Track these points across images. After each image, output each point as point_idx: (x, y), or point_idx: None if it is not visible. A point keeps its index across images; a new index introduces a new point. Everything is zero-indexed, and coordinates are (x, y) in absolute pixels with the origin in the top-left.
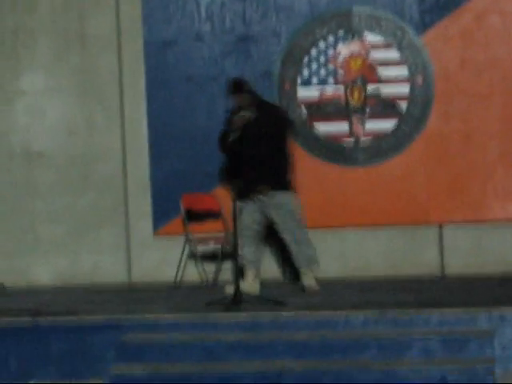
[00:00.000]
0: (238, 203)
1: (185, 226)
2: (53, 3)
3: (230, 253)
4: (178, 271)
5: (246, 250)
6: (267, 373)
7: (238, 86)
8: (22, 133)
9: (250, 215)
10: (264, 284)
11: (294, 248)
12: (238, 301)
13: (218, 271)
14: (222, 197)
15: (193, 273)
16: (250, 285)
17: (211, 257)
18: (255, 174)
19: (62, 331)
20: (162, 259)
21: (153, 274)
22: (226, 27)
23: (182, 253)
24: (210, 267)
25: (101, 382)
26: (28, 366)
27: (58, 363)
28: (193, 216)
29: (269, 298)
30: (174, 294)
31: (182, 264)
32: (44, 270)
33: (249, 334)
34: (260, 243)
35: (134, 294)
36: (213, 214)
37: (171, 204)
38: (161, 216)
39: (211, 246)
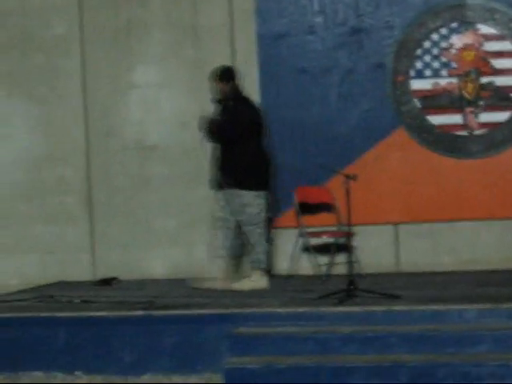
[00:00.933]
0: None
1: (298, 219)
2: None
3: (343, 245)
4: (291, 264)
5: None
6: (381, 366)
7: (228, 74)
8: (136, 126)
9: (221, 207)
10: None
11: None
12: (351, 294)
13: (331, 264)
14: (336, 189)
15: (306, 265)
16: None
17: (324, 249)
18: (225, 167)
19: (176, 324)
20: (275, 252)
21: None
22: (339, 19)
23: (295, 245)
24: (323, 260)
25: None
26: (141, 358)
27: (171, 356)
28: (306, 208)
29: (383, 292)
30: (287, 286)
31: (295, 257)
32: (158, 262)
33: (362, 327)
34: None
35: None
36: (326, 207)
37: (284, 197)
38: (274, 208)
39: (324, 239)
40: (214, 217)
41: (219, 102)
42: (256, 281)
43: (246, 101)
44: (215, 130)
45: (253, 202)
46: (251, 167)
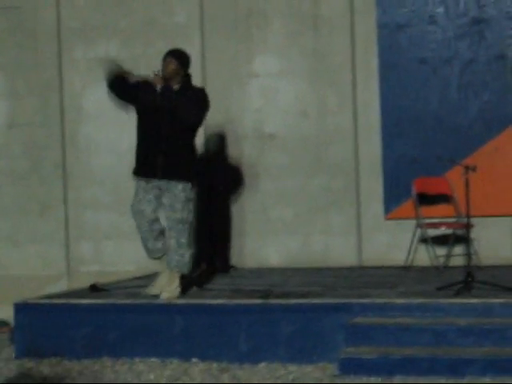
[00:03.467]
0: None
1: (416, 210)
2: None
3: (461, 237)
4: (408, 255)
5: (159, 244)
6: (497, 359)
7: (188, 61)
8: (255, 115)
9: (147, 201)
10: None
11: (172, 248)
12: (469, 285)
13: (448, 255)
14: (455, 180)
15: (423, 257)
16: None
17: (442, 241)
18: (173, 154)
19: (293, 313)
20: (393, 242)
21: (383, 257)
22: (460, 10)
23: (413, 236)
24: (441, 251)
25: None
26: (258, 346)
27: (287, 345)
28: (424, 200)
29: (500, 284)
30: (404, 277)
31: (413, 248)
32: (275, 251)
33: (479, 319)
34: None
35: (364, 277)
36: (445, 198)
37: (402, 187)
38: (392, 199)
39: (442, 230)
40: (137, 212)
41: (164, 80)
42: (178, 287)
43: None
44: (181, 110)
45: (192, 197)
46: (195, 160)
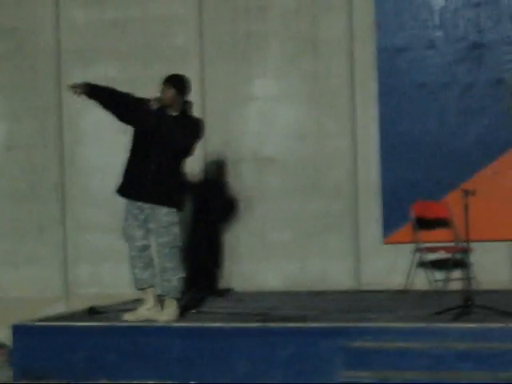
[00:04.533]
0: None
1: (414, 234)
2: (285, 8)
3: (460, 261)
4: (407, 279)
5: (146, 274)
6: (496, 383)
7: (188, 87)
8: (254, 137)
9: (136, 227)
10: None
11: (158, 273)
12: (468, 310)
13: (447, 280)
14: (453, 205)
15: (422, 281)
16: (150, 309)
17: (441, 265)
18: (159, 179)
19: (290, 336)
20: (391, 266)
21: (381, 281)
22: (459, 34)
23: (412, 260)
24: (439, 275)
25: None
26: (255, 369)
27: (285, 368)
28: (423, 224)
29: (498, 308)
30: (402, 301)
31: (412, 272)
32: (272, 274)
33: (478, 343)
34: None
35: (362, 301)
36: (443, 222)
37: (400, 211)
38: (390, 223)
39: (441, 254)
40: (128, 237)
41: (161, 108)
42: (175, 311)
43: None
44: (170, 132)
45: (177, 221)
46: (182, 187)
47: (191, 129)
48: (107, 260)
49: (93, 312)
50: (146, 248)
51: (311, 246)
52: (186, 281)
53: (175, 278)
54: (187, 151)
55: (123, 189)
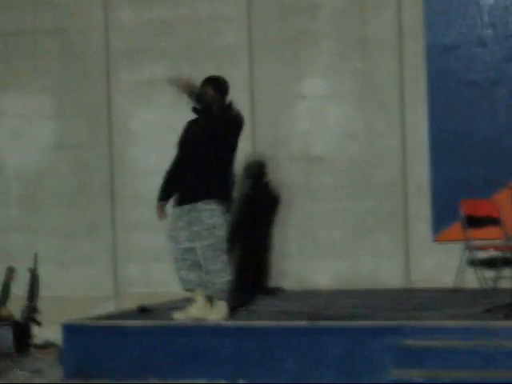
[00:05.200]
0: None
1: (464, 232)
2: (334, 6)
3: (509, 260)
4: (456, 277)
5: (191, 275)
6: None
7: (224, 88)
8: (303, 137)
9: (179, 229)
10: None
11: (204, 275)
12: None
13: (497, 278)
14: (502, 203)
15: (471, 279)
16: (199, 308)
17: (491, 263)
18: (185, 177)
19: (341, 335)
20: (441, 265)
21: (431, 279)
22: (509, 32)
23: (461, 258)
24: (489, 274)
25: None
26: (306, 368)
27: (335, 367)
28: (472, 222)
29: None
30: (452, 299)
31: (461, 270)
32: (323, 273)
33: None
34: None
35: (412, 299)
36: (492, 221)
37: (450, 209)
38: (440, 221)
39: (491, 253)
40: (172, 239)
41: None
42: (224, 310)
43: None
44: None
45: (221, 223)
46: (225, 185)
47: (225, 117)
48: (157, 259)
49: (142, 311)
50: (190, 250)
51: (361, 244)
52: (237, 279)
53: (219, 280)
54: (224, 143)
55: (165, 195)
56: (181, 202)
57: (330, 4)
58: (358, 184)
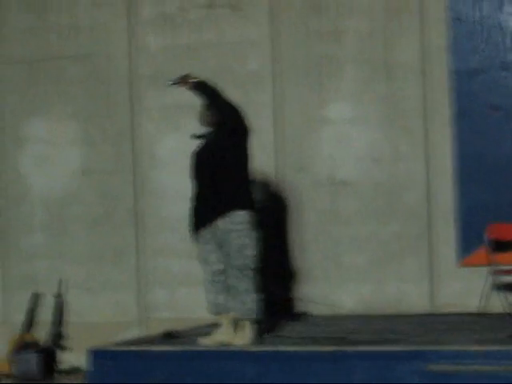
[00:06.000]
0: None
1: (490, 257)
2: (358, 31)
3: None
4: (481, 301)
5: (220, 298)
6: None
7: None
8: (327, 161)
9: (208, 251)
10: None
11: (233, 296)
12: None
13: None
14: None
15: (497, 304)
16: (225, 333)
17: None
18: (205, 199)
19: (367, 360)
20: (466, 289)
21: (456, 304)
22: None
23: (486, 283)
24: None
25: None
26: None
27: None
28: (498, 246)
29: None
30: (477, 324)
31: (486, 294)
32: (347, 297)
33: None
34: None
35: (437, 324)
36: None
37: (476, 234)
38: (465, 245)
39: None
40: (202, 261)
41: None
42: (250, 334)
43: None
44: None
45: (249, 243)
46: (240, 190)
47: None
48: (183, 284)
49: (168, 336)
50: (220, 272)
51: (386, 269)
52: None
53: (250, 299)
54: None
55: (193, 225)
56: (206, 224)
57: (355, 29)
58: (383, 208)
